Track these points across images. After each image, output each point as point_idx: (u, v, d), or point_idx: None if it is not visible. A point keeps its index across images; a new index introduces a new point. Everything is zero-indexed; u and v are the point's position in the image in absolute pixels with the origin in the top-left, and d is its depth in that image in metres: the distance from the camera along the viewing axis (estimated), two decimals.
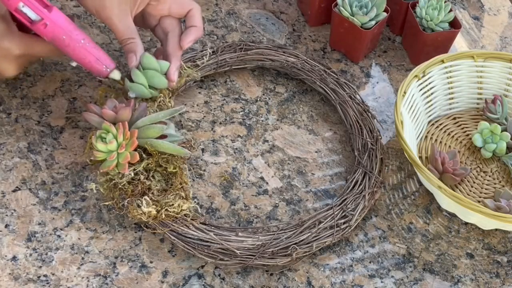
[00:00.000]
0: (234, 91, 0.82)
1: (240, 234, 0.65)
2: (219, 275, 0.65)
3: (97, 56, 0.67)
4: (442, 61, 0.81)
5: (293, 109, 0.82)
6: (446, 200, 0.69)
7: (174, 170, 0.67)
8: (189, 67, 0.78)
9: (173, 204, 0.64)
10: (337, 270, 0.67)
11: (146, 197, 0.64)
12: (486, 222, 0.70)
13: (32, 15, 0.63)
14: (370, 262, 0.68)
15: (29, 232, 0.65)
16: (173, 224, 0.64)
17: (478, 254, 0.71)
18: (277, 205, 0.72)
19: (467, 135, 0.82)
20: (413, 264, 0.69)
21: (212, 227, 0.65)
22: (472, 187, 0.76)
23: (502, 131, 0.79)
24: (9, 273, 0.62)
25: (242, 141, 0.77)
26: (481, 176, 0.78)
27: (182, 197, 0.66)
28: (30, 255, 0.63)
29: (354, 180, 0.72)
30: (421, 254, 0.70)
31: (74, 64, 0.68)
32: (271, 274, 0.66)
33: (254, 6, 0.94)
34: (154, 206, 0.64)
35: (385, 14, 0.84)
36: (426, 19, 0.85)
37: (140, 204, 0.64)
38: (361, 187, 0.71)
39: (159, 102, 0.73)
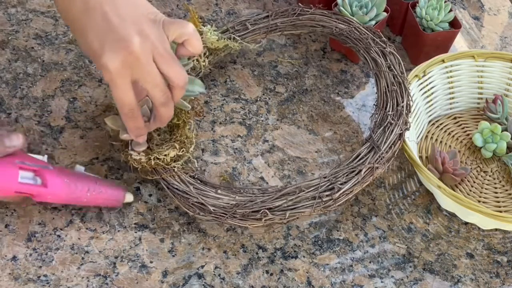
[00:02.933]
0: (234, 91, 0.82)
1: (219, 191, 0.66)
2: (219, 275, 0.65)
3: (106, 196, 0.65)
4: (443, 61, 0.81)
5: (293, 109, 0.82)
6: (446, 200, 0.69)
7: (177, 122, 0.68)
8: (234, 37, 0.79)
9: (165, 154, 0.66)
10: (337, 270, 0.67)
11: None
12: (486, 222, 0.70)
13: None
14: (370, 262, 0.68)
15: (29, 232, 0.65)
16: (164, 173, 0.66)
17: (478, 254, 0.71)
18: None
19: (468, 134, 0.82)
20: (413, 264, 0.69)
21: (198, 182, 0.67)
22: (472, 187, 0.76)
23: (502, 130, 0.79)
24: (9, 273, 0.62)
25: (242, 141, 0.77)
26: (481, 176, 0.77)
27: (175, 147, 0.66)
28: (30, 255, 0.63)
29: (358, 153, 0.68)
30: (421, 254, 0.70)
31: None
32: (271, 274, 0.66)
33: (254, 6, 0.94)
34: (143, 154, 0.66)
35: (385, 14, 0.84)
36: (426, 19, 0.85)
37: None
38: (361, 160, 0.67)
39: (192, 62, 0.74)
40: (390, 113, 0.71)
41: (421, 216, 0.73)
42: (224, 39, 0.78)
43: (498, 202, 0.75)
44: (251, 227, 0.65)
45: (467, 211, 0.67)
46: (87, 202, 0.65)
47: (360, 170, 0.66)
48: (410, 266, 0.69)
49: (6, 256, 0.63)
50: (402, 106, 0.72)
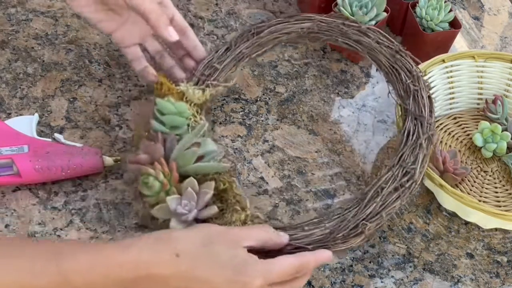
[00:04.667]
0: (234, 91, 0.82)
1: (306, 228, 0.62)
2: None
3: (84, 168, 0.68)
4: (443, 61, 0.81)
5: (293, 109, 0.82)
6: (447, 199, 0.69)
7: (224, 187, 0.64)
8: (210, 84, 0.73)
9: (233, 221, 0.62)
10: (337, 270, 0.67)
11: None
12: (487, 221, 0.70)
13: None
14: (370, 262, 0.68)
15: (29, 232, 0.65)
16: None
17: (478, 254, 0.71)
18: (277, 205, 0.72)
19: (468, 134, 0.82)
20: (413, 264, 0.69)
21: (278, 230, 0.61)
22: (472, 186, 0.76)
23: (502, 131, 0.79)
24: None
25: (242, 141, 0.77)
26: (482, 176, 0.77)
27: (237, 210, 0.62)
28: None
29: (406, 131, 0.66)
30: (421, 254, 0.70)
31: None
32: None
33: (254, 6, 0.94)
34: None
35: (385, 14, 0.84)
36: (426, 19, 0.85)
37: None
38: (415, 135, 0.66)
39: (190, 123, 0.69)
40: (408, 81, 0.69)
41: (421, 216, 0.73)
42: (205, 90, 0.72)
43: (499, 201, 0.75)
44: (356, 245, 0.62)
45: (468, 210, 0.67)
46: (66, 177, 0.68)
47: (421, 144, 0.65)
48: (410, 266, 0.69)
49: None
50: (415, 70, 0.70)
